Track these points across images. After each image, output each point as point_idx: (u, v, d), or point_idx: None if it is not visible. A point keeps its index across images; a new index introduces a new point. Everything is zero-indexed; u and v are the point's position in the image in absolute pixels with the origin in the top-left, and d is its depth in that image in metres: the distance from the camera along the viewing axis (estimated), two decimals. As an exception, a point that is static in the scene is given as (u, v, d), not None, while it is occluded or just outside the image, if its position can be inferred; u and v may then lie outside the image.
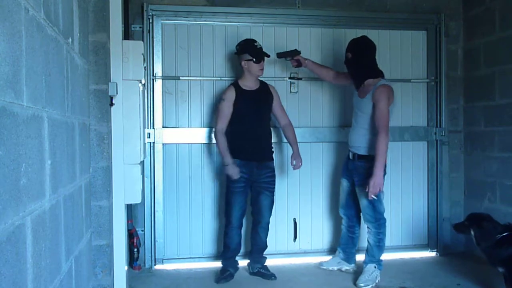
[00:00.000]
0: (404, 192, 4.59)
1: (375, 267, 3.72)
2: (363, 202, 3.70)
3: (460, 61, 4.64)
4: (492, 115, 4.24)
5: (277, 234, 4.37)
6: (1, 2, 1.21)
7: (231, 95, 3.80)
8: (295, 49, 3.96)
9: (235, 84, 3.87)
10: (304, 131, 4.34)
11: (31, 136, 1.47)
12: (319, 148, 4.44)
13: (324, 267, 4.03)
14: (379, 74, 3.72)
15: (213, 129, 3.89)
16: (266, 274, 3.91)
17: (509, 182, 4.05)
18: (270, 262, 4.10)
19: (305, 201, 4.42)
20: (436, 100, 4.59)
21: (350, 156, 3.81)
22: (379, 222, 3.69)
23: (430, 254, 4.57)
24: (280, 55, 3.99)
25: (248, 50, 3.77)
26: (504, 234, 3.13)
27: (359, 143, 3.73)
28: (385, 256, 4.40)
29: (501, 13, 4.16)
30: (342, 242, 4.01)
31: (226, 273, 3.81)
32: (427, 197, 4.62)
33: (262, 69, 3.83)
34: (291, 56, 3.96)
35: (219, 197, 4.26)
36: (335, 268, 4.00)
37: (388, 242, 4.53)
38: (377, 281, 3.70)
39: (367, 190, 3.49)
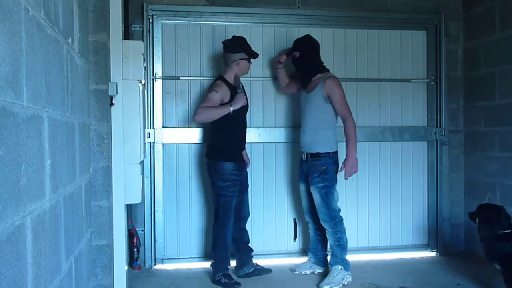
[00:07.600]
0: (404, 192, 4.59)
1: (341, 268, 3.67)
2: (317, 201, 3.70)
3: (460, 61, 4.64)
4: (492, 115, 4.24)
5: (277, 234, 4.37)
6: (1, 2, 1.21)
7: (225, 92, 3.64)
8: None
9: (225, 81, 3.70)
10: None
11: (31, 136, 1.47)
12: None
13: (297, 272, 3.97)
14: (326, 69, 3.85)
15: (195, 111, 3.68)
16: (263, 269, 3.91)
17: (509, 182, 4.05)
18: (270, 262, 4.10)
19: (305, 201, 4.42)
20: (436, 100, 4.59)
21: (304, 157, 3.81)
22: (334, 221, 3.68)
23: (430, 254, 4.57)
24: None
25: (245, 49, 3.75)
26: (507, 230, 3.11)
27: (310, 143, 3.75)
28: (385, 256, 4.44)
29: (501, 13, 4.16)
30: (312, 247, 3.99)
31: (232, 279, 3.70)
32: (427, 197, 4.62)
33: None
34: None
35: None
36: (308, 272, 3.94)
37: (388, 242, 4.56)
38: (345, 283, 3.65)
39: (342, 171, 3.63)
